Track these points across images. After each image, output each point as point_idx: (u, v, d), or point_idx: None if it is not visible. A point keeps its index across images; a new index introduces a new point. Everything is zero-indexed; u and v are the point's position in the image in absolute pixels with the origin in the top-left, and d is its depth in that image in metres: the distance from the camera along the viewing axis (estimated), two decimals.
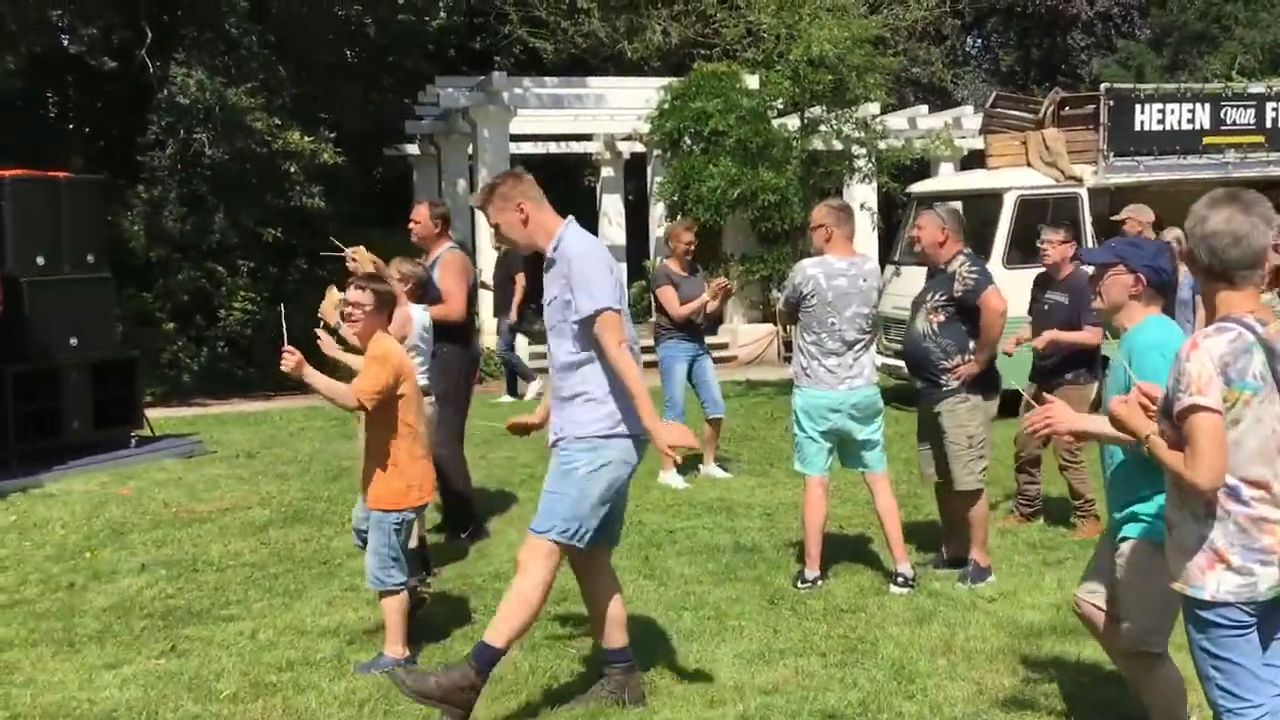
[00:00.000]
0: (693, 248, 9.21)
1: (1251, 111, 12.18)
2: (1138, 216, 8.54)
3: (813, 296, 6.12)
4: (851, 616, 5.75)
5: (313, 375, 4.96)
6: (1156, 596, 3.66)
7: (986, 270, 6.35)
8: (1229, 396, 2.97)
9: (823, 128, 14.25)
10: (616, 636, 4.70)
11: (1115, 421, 3.16)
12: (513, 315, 13.77)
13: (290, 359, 4.89)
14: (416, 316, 6.41)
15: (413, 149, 21.59)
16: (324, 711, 4.74)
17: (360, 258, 6.83)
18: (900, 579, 6.19)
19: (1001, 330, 6.22)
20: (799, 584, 6.23)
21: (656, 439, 4.36)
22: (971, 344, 6.23)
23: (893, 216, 18.37)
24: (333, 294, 6.02)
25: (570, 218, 4.57)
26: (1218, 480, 2.96)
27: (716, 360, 17.25)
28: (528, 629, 4.47)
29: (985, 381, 6.26)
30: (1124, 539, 3.77)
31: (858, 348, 6.18)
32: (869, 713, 4.60)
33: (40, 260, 9.99)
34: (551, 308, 4.46)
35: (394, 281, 6.45)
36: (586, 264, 4.36)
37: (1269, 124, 12.21)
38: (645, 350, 4.76)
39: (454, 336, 7.09)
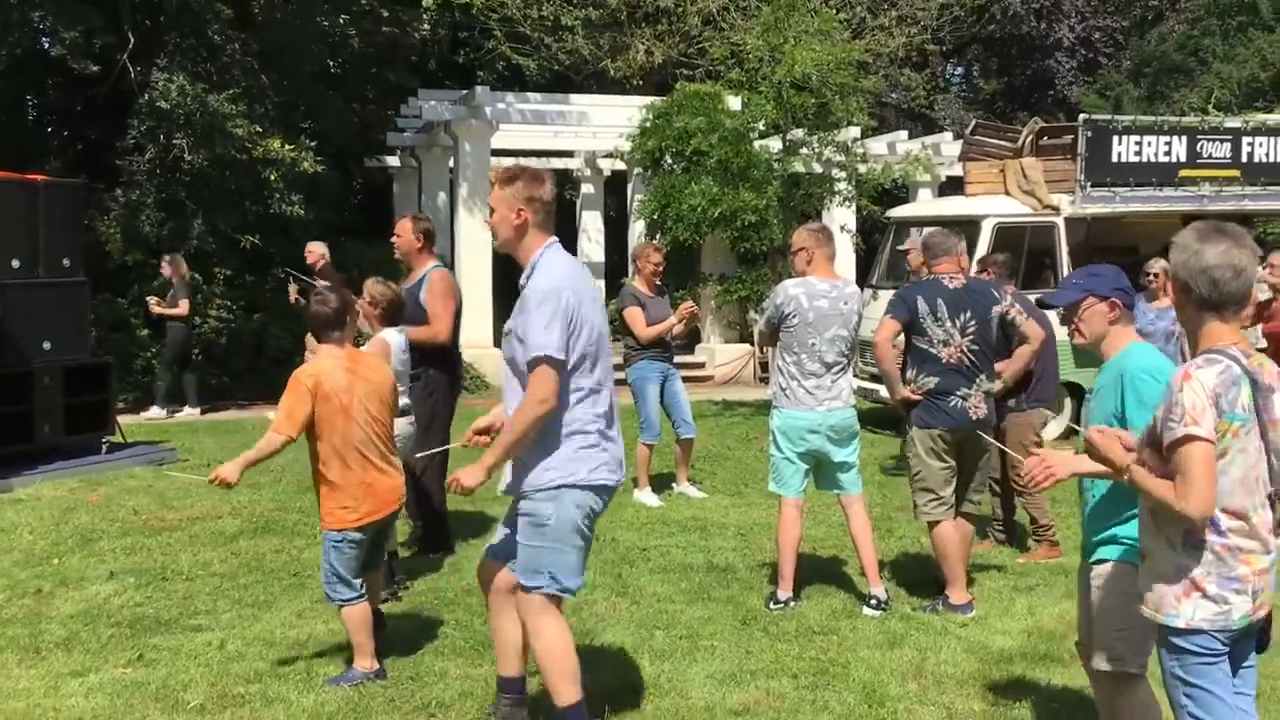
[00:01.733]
0: (661, 268, 9.11)
1: (1227, 146, 12.30)
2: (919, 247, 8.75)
3: (794, 317, 6.14)
4: (823, 639, 5.75)
5: (241, 460, 5.12)
6: (1137, 617, 3.68)
7: (895, 298, 6.36)
8: (1220, 427, 3.00)
9: (804, 150, 14.32)
10: (513, 664, 4.61)
11: (1091, 451, 3.18)
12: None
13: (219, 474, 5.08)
14: (393, 340, 6.37)
15: (394, 161, 21.57)
16: None
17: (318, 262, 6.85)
18: (874, 601, 6.20)
19: (882, 356, 6.29)
20: (771, 605, 6.23)
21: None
22: (910, 373, 6.28)
23: (871, 239, 18.48)
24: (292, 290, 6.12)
25: (552, 241, 4.39)
26: (1209, 510, 2.99)
27: (692, 380, 17.37)
28: (576, 671, 4.33)
29: (921, 414, 6.23)
30: (1101, 560, 3.81)
31: (836, 369, 6.20)
32: None
33: (15, 263, 9.92)
34: (507, 340, 4.34)
35: (364, 306, 6.37)
36: (545, 304, 4.16)
37: (1244, 158, 12.34)
38: (615, 369, 4.65)
39: (439, 359, 7.02)
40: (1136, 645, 3.73)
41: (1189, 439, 2.98)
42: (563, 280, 4.25)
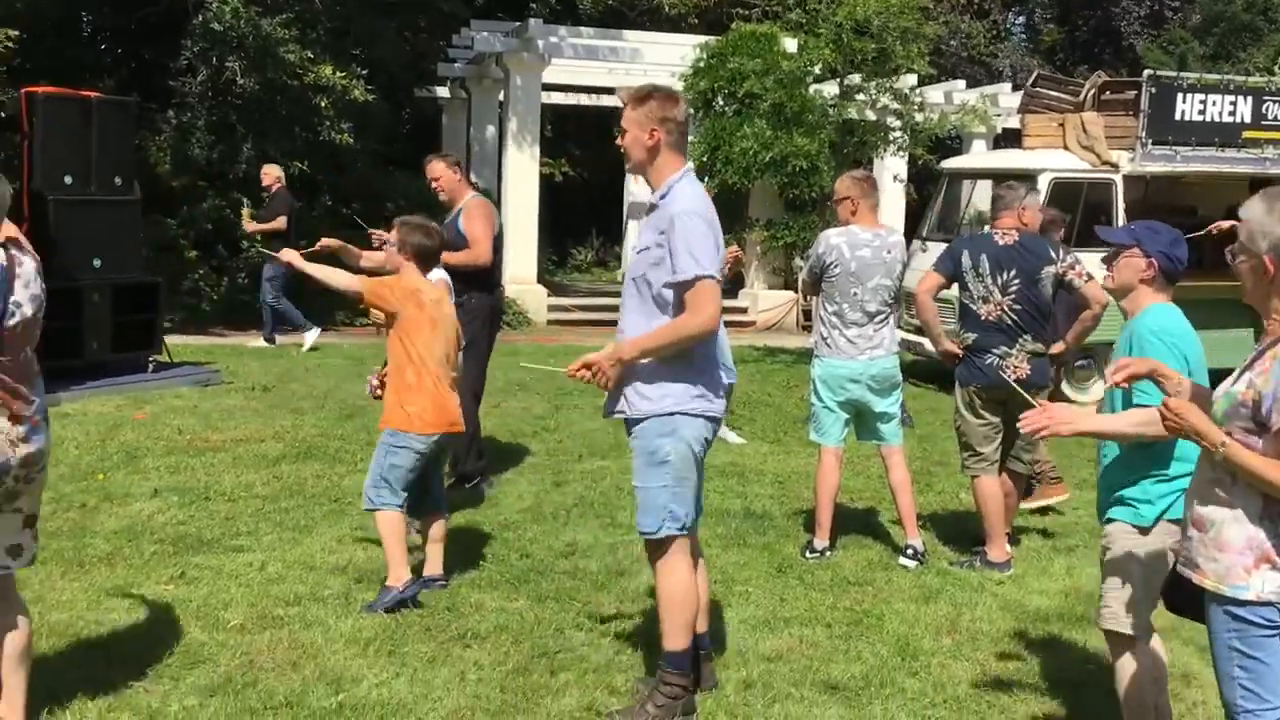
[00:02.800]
0: None
1: None
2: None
3: (836, 266, 6.10)
4: (858, 590, 5.75)
5: (307, 265, 5.54)
6: (1135, 578, 3.75)
7: (945, 251, 6.32)
8: None
9: (860, 96, 14.10)
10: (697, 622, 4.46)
11: (1170, 423, 3.05)
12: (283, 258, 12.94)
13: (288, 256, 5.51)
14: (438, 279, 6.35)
15: (443, 92, 21.48)
16: (329, 648, 4.76)
17: (330, 247, 6.69)
18: (910, 550, 6.20)
19: (923, 309, 6.24)
20: (807, 554, 6.23)
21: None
22: (954, 326, 6.25)
23: (924, 189, 18.25)
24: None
25: (689, 166, 4.26)
26: None
27: (735, 325, 17.31)
28: (693, 619, 4.30)
29: (961, 370, 6.20)
30: (1109, 520, 3.84)
31: (879, 319, 6.16)
32: (871, 686, 4.60)
33: (68, 179, 9.97)
34: (639, 258, 4.20)
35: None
36: (692, 224, 4.03)
37: None
38: None
39: (480, 283, 7.05)
40: (1133, 607, 3.74)
41: None
42: (705, 203, 4.17)
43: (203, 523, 6.46)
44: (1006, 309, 6.05)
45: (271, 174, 13.53)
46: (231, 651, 4.69)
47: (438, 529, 5.59)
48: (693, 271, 4.00)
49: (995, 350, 6.07)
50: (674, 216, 4.07)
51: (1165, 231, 3.89)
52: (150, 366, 10.75)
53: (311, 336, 13.21)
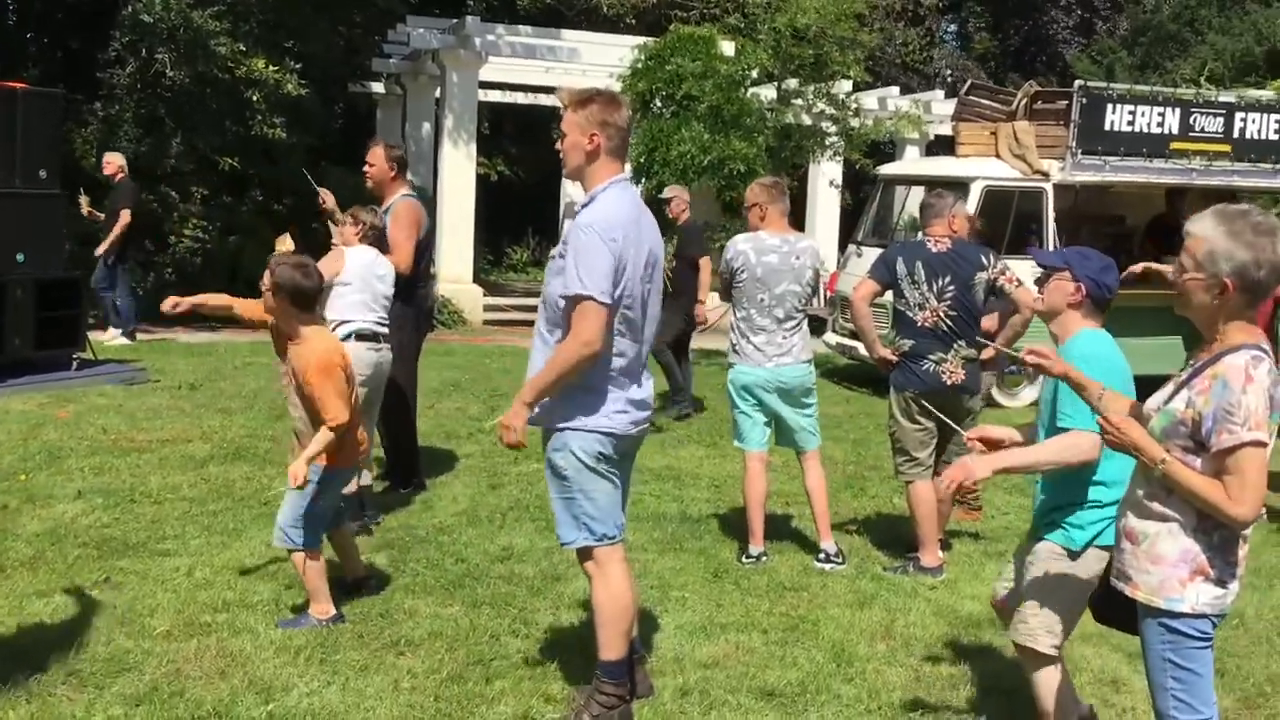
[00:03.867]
0: None
1: (1220, 120, 12.24)
2: (681, 195, 10.37)
3: (743, 272, 6.14)
4: (794, 595, 5.76)
5: (307, 453, 4.89)
6: (1059, 599, 3.78)
7: (878, 258, 6.37)
8: (1270, 429, 2.96)
9: (796, 101, 14.18)
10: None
11: (1112, 438, 3.08)
12: (101, 249, 12.67)
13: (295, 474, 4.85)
14: (364, 257, 6.29)
15: (378, 88, 21.27)
16: (259, 656, 4.67)
17: (328, 202, 6.76)
18: (823, 555, 6.25)
19: (858, 315, 6.25)
20: (743, 559, 6.23)
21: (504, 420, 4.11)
22: (889, 333, 6.31)
23: (859, 194, 18.40)
24: (286, 241, 5.90)
25: (620, 176, 4.15)
26: (1259, 513, 2.96)
27: None
28: (629, 629, 4.28)
29: (897, 375, 6.22)
30: (1040, 539, 3.87)
31: (789, 325, 6.17)
32: (807, 693, 4.61)
33: None
34: (551, 265, 4.18)
35: (347, 226, 6.39)
36: (588, 238, 3.93)
37: (1236, 133, 12.29)
38: None
39: (401, 291, 6.88)
40: (1048, 625, 3.78)
41: (1254, 444, 2.90)
42: (618, 219, 4.02)
43: (128, 525, 6.32)
44: (942, 315, 6.10)
45: (114, 163, 13.01)
46: (158, 659, 4.59)
47: (345, 537, 5.51)
48: (574, 289, 3.93)
49: (931, 356, 6.11)
50: (576, 228, 4.01)
51: (1096, 258, 3.92)
52: (74, 364, 10.52)
53: (114, 334, 12.89)
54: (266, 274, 4.98)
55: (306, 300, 5.01)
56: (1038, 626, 3.81)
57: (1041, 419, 3.87)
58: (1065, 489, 3.79)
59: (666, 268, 8.15)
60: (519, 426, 4.08)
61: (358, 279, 6.27)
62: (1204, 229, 3.02)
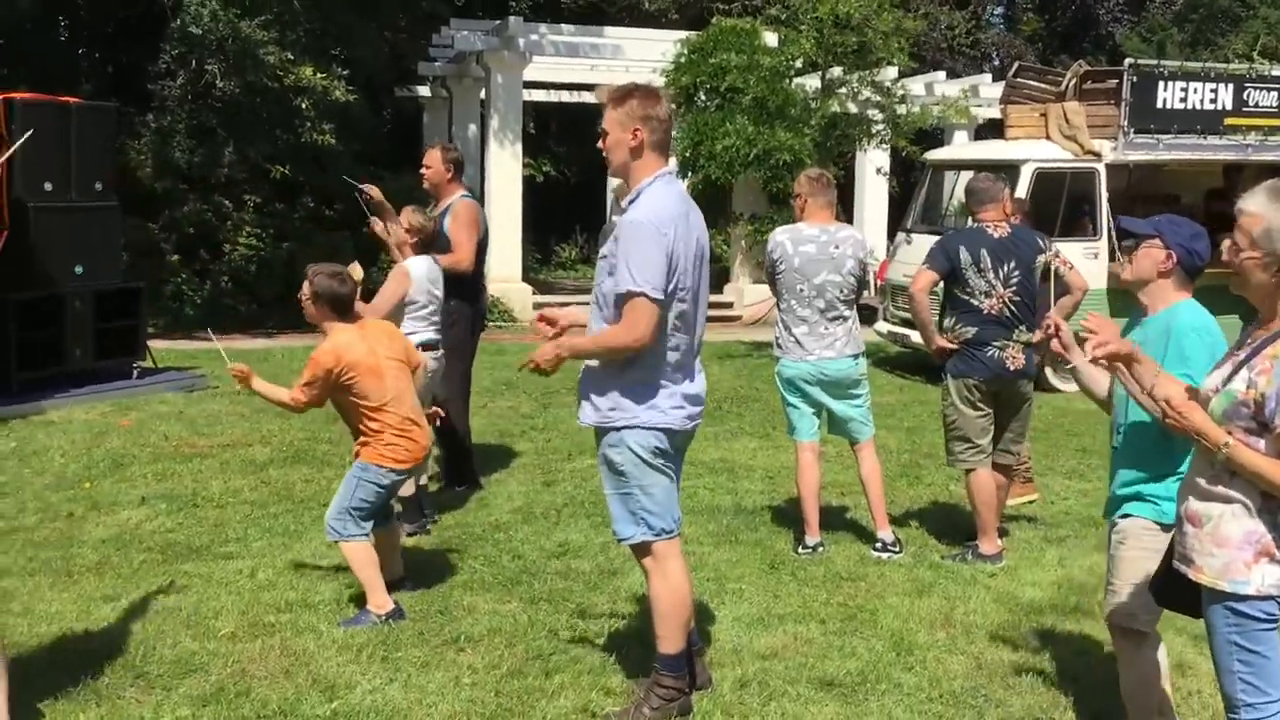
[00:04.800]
0: None
1: (1274, 94, 12.05)
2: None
3: (781, 263, 6.11)
4: (851, 585, 5.74)
5: (259, 384, 5.24)
6: (1151, 575, 3.66)
7: (936, 246, 6.23)
8: None
9: (841, 90, 14.10)
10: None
11: (1172, 420, 3.02)
12: None
13: (238, 371, 5.24)
14: (415, 268, 6.33)
15: (425, 91, 21.41)
16: (322, 654, 4.73)
17: (374, 195, 6.83)
18: (879, 544, 6.22)
19: (919, 307, 6.16)
20: (799, 550, 6.22)
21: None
22: (946, 322, 6.20)
23: (906, 181, 18.26)
24: (356, 269, 5.96)
25: (665, 170, 4.14)
26: None
27: (721, 319, 17.30)
28: (687, 622, 4.28)
29: (957, 363, 6.13)
30: (1126, 515, 3.77)
31: (831, 316, 6.11)
32: (867, 682, 4.59)
33: (48, 186, 9.90)
34: (600, 265, 4.18)
35: (400, 228, 6.45)
36: (638, 234, 3.94)
37: None
38: None
39: (461, 289, 6.95)
40: (1146, 602, 3.69)
41: None
42: (667, 213, 4.01)
43: (191, 530, 6.42)
44: (1008, 301, 6.04)
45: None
46: (223, 660, 4.66)
47: (393, 538, 5.56)
48: (626, 286, 3.93)
49: (995, 342, 6.04)
50: (624, 224, 4.02)
51: (1187, 225, 3.80)
52: (134, 373, 10.69)
53: None
54: (305, 284, 5.24)
55: (343, 306, 5.29)
56: (1134, 605, 3.72)
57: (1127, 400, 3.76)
58: (1150, 462, 3.68)
59: None
60: (546, 358, 4.10)
61: (423, 294, 6.34)
62: (1258, 206, 2.96)
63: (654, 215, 3.99)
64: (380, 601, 5.11)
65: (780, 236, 6.17)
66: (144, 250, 15.52)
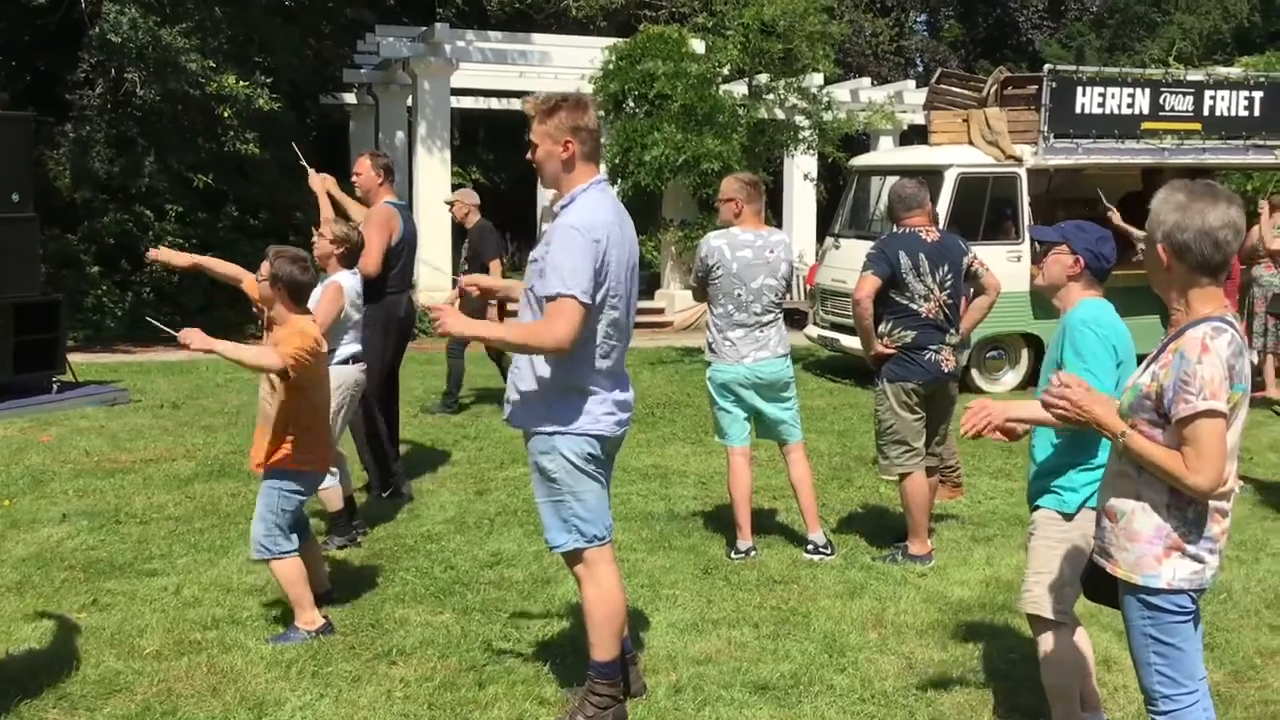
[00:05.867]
0: None
1: (1190, 99, 12.31)
2: (465, 200, 10.29)
3: (718, 269, 6.12)
4: (784, 588, 5.77)
5: (218, 344, 4.74)
6: (1059, 564, 3.82)
7: (875, 252, 6.24)
8: (1230, 399, 2.97)
9: (768, 96, 14.20)
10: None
11: (1074, 414, 3.10)
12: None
13: (189, 336, 4.73)
14: (346, 283, 6.25)
15: (350, 99, 21.23)
16: (250, 671, 4.65)
17: (317, 183, 6.80)
18: (811, 546, 6.26)
19: (863, 313, 6.19)
20: (732, 554, 6.24)
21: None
22: (883, 327, 6.25)
23: (835, 185, 18.43)
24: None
25: (599, 178, 4.14)
26: (1220, 483, 2.98)
27: (651, 326, 17.34)
28: (620, 629, 4.26)
29: (895, 368, 6.19)
30: (1037, 508, 3.92)
31: (766, 320, 6.17)
32: (801, 685, 4.62)
33: None
34: (530, 269, 4.17)
35: (324, 245, 6.26)
36: (570, 239, 3.93)
37: (1205, 112, 12.37)
38: None
39: (371, 291, 6.85)
40: (1056, 592, 3.81)
41: (1210, 414, 2.92)
42: (600, 220, 4.01)
43: (114, 547, 6.29)
44: (943, 304, 6.12)
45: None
46: (149, 679, 4.57)
47: (314, 550, 5.49)
48: (555, 289, 3.91)
49: (932, 346, 6.12)
50: (557, 229, 4.02)
51: (1092, 229, 3.98)
52: (54, 387, 10.47)
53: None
54: (265, 264, 5.06)
55: (301, 294, 5.11)
56: (1042, 593, 3.84)
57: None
58: (1059, 456, 3.83)
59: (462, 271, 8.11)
60: (455, 326, 3.97)
61: (354, 308, 6.26)
62: (1153, 200, 3.08)
63: (587, 221, 3.99)
64: (310, 618, 5.03)
65: (716, 242, 6.16)
66: (63, 262, 15.23)
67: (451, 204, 10.52)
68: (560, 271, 3.92)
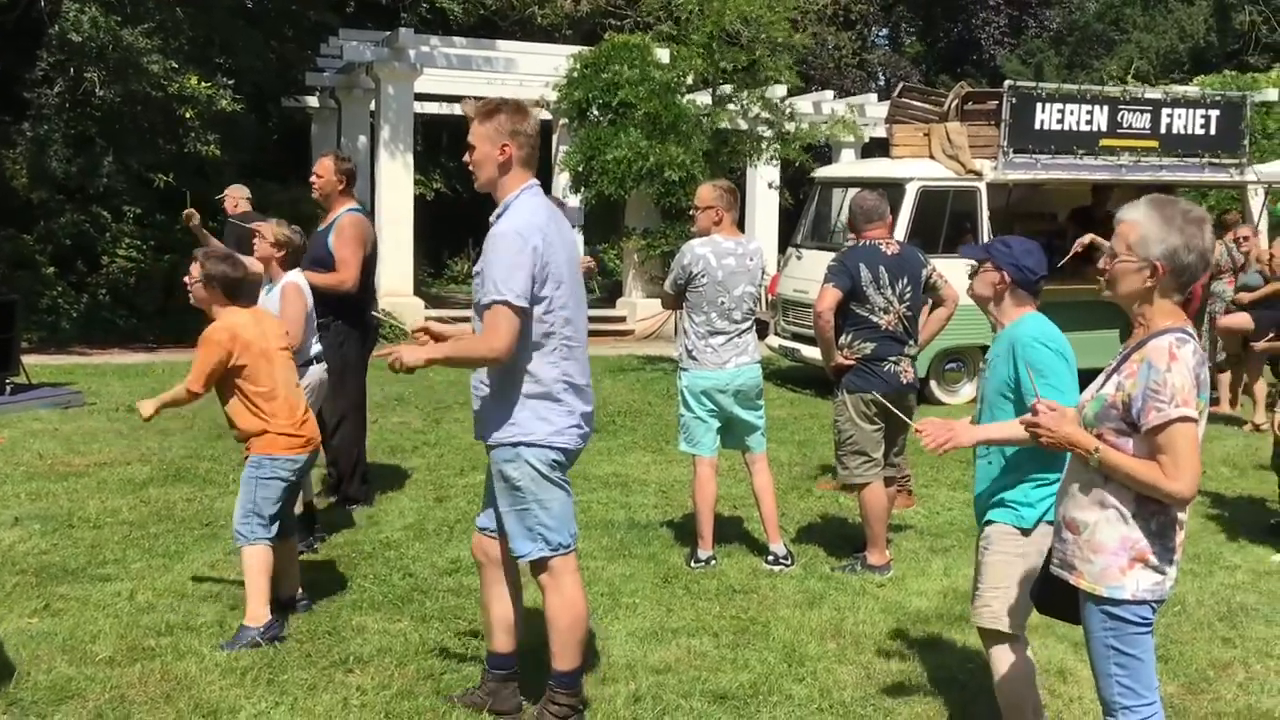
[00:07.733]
0: None
1: (1147, 116, 12.47)
2: (236, 195, 10.02)
3: (703, 276, 6.12)
4: (744, 597, 5.78)
5: (149, 405, 5.11)
6: (1015, 579, 3.84)
7: (835, 264, 6.30)
8: (1198, 406, 3.02)
9: (731, 106, 14.26)
10: (503, 640, 4.41)
11: (1040, 431, 3.13)
12: None
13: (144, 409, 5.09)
14: (303, 283, 6.19)
15: (313, 101, 21.09)
16: (205, 679, 4.60)
17: (194, 218, 6.77)
18: (772, 557, 6.28)
19: (824, 325, 6.23)
20: (692, 563, 6.24)
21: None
22: (843, 339, 6.29)
23: (799, 194, 18.53)
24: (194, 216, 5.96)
25: (532, 183, 4.14)
26: (1196, 490, 3.03)
27: (613, 334, 17.33)
28: (583, 638, 4.24)
29: (855, 379, 6.23)
30: (989, 522, 3.93)
31: (744, 327, 6.21)
32: (759, 694, 4.62)
33: None
34: (475, 280, 4.14)
35: (265, 248, 6.18)
36: (503, 245, 3.93)
37: (1163, 129, 12.53)
38: None
39: (346, 308, 6.81)
40: (1012, 605, 3.84)
41: (1182, 420, 2.97)
42: (533, 223, 4.00)
43: (67, 551, 6.21)
44: (902, 316, 6.17)
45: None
46: (101, 686, 4.51)
47: (290, 551, 5.45)
48: (490, 296, 3.91)
49: (891, 357, 6.17)
50: (490, 236, 4.02)
51: (1016, 244, 4.06)
52: (7, 388, 10.31)
53: None
54: (195, 267, 5.12)
55: (236, 290, 5.19)
56: (999, 608, 3.86)
57: (984, 409, 3.94)
58: (1012, 471, 3.86)
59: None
60: (409, 360, 3.94)
61: (312, 307, 6.23)
62: (1137, 215, 3.12)
63: (520, 225, 3.99)
64: (258, 614, 4.98)
65: (701, 250, 6.15)
66: (18, 262, 15.03)
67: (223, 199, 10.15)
68: (494, 278, 3.92)
